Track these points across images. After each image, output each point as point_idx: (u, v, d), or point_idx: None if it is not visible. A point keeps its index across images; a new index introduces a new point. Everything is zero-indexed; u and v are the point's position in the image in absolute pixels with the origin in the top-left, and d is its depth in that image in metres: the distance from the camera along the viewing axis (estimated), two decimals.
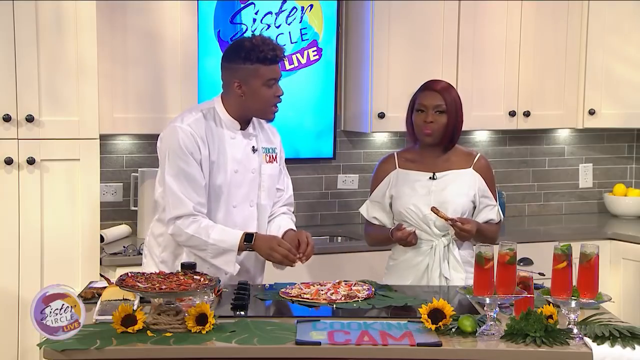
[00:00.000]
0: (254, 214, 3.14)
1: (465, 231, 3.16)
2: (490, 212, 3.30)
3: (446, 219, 3.16)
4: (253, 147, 3.13)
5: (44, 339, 2.41)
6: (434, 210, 3.16)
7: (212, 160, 3.03)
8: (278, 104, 3.09)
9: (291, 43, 4.49)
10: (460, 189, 3.26)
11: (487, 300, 2.45)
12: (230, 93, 3.08)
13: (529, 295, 2.55)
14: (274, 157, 3.21)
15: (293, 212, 3.33)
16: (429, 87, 3.29)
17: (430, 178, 3.28)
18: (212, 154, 3.04)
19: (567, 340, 2.41)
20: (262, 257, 3.07)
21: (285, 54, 3.13)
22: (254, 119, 3.16)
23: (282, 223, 3.21)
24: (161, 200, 3.06)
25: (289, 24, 4.49)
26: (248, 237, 3.00)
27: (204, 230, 2.98)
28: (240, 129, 3.11)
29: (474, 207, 3.29)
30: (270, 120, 3.16)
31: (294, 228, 3.20)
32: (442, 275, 3.21)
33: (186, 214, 2.98)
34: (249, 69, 3.02)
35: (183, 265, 2.72)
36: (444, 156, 3.31)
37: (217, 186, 3.05)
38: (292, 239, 3.08)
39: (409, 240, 3.20)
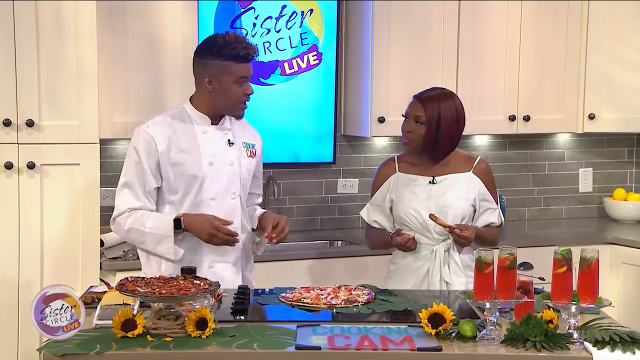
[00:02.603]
0: (237, 206, 3.17)
1: (463, 238, 3.16)
2: (491, 215, 3.30)
3: (444, 226, 3.15)
4: (229, 140, 3.16)
5: (44, 344, 2.41)
6: (432, 217, 3.16)
7: (180, 156, 3.08)
8: (247, 102, 3.14)
9: (291, 47, 4.50)
10: (460, 193, 3.26)
11: (487, 305, 2.45)
12: (200, 89, 3.14)
13: (529, 300, 2.55)
14: (254, 152, 3.25)
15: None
16: (417, 95, 3.29)
17: (430, 182, 3.28)
18: (180, 151, 3.08)
19: (568, 345, 2.41)
20: (203, 240, 3.06)
21: (258, 54, 3.13)
22: None
23: (258, 208, 3.32)
24: None
25: (289, 29, 4.49)
26: (177, 223, 3.03)
27: (139, 220, 3.07)
28: (212, 124, 3.15)
29: (475, 211, 3.29)
30: (239, 117, 3.19)
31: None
32: (443, 280, 3.20)
33: (123, 211, 3.09)
34: (220, 65, 3.06)
35: (183, 270, 2.72)
36: (443, 160, 3.30)
37: (191, 180, 3.09)
38: (271, 220, 3.13)
39: (408, 246, 3.20)
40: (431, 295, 3.08)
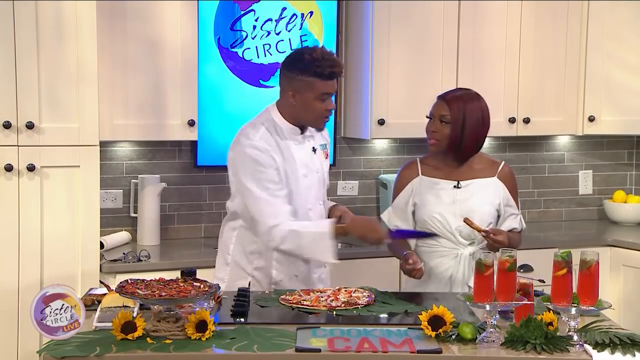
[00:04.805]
0: (324, 211, 3.26)
1: (498, 242, 3.11)
2: (514, 221, 3.28)
3: (479, 231, 3.11)
4: (313, 147, 3.23)
5: (44, 346, 2.41)
6: (467, 221, 3.11)
7: (285, 169, 3.12)
8: (329, 116, 3.18)
9: (291, 50, 4.49)
10: (485, 198, 3.23)
11: (487, 307, 2.45)
12: (284, 100, 3.17)
13: (529, 302, 2.55)
14: (327, 153, 3.33)
15: None
16: (442, 95, 3.26)
17: (454, 187, 3.24)
18: (284, 163, 3.13)
19: (568, 347, 2.41)
20: (359, 240, 3.10)
21: (342, 72, 3.19)
22: None
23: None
24: (246, 211, 3.13)
25: (289, 31, 4.49)
26: (339, 228, 3.05)
27: (296, 225, 3.04)
28: (301, 133, 3.20)
29: (498, 216, 3.27)
30: (319, 129, 3.24)
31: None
32: (466, 284, 3.17)
33: (281, 222, 3.02)
34: (304, 81, 3.09)
35: (183, 272, 2.72)
36: (467, 164, 3.26)
37: (292, 193, 3.14)
38: (339, 212, 3.22)
39: (413, 275, 3.11)
40: (431, 297, 3.08)
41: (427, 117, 3.27)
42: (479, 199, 3.23)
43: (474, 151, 3.25)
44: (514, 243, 3.25)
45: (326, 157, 3.32)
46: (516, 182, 3.35)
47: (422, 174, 3.31)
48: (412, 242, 3.32)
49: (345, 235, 3.11)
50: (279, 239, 3.03)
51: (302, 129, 3.20)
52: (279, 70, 3.23)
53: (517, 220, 3.30)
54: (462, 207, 3.21)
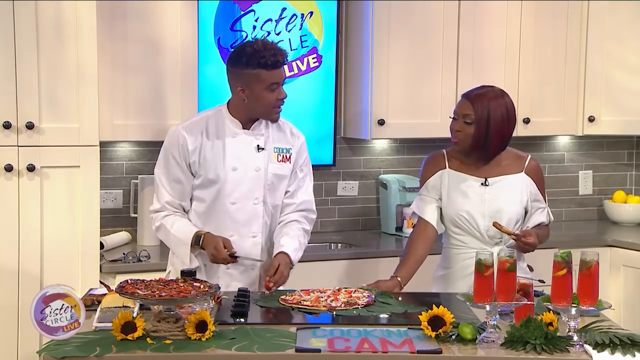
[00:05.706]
0: (259, 211, 3.19)
1: (529, 244, 3.11)
2: (541, 215, 3.26)
3: (509, 234, 3.10)
4: (258, 145, 3.18)
5: (44, 346, 2.41)
6: (496, 225, 3.09)
7: (207, 157, 3.15)
8: (281, 106, 3.18)
9: (291, 50, 4.49)
10: (514, 197, 3.21)
11: (487, 308, 2.45)
12: (234, 95, 3.19)
13: (529, 303, 2.55)
14: (288, 157, 3.25)
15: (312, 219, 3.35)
16: (466, 94, 3.22)
17: (482, 184, 3.22)
18: (208, 153, 3.15)
19: (568, 347, 2.41)
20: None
21: (288, 57, 3.20)
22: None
23: (283, 242, 3.19)
24: None
25: (289, 31, 4.49)
26: (197, 239, 3.12)
27: (170, 221, 3.18)
28: (244, 128, 3.19)
29: (526, 212, 3.26)
30: (274, 121, 3.23)
31: (287, 251, 3.15)
32: None
33: (158, 209, 3.21)
34: (250, 74, 3.09)
35: (183, 272, 2.72)
36: (494, 160, 3.24)
37: (213, 182, 3.15)
38: (271, 266, 3.10)
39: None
40: (431, 297, 3.07)
41: (450, 117, 3.24)
42: (507, 199, 3.20)
43: (500, 150, 3.22)
44: (543, 239, 3.25)
45: (282, 161, 3.22)
46: (543, 174, 3.32)
47: (449, 167, 3.27)
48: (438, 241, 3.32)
49: (203, 249, 3.15)
50: (154, 227, 3.24)
51: (247, 125, 3.18)
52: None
53: (545, 214, 3.27)
54: (490, 207, 3.19)
